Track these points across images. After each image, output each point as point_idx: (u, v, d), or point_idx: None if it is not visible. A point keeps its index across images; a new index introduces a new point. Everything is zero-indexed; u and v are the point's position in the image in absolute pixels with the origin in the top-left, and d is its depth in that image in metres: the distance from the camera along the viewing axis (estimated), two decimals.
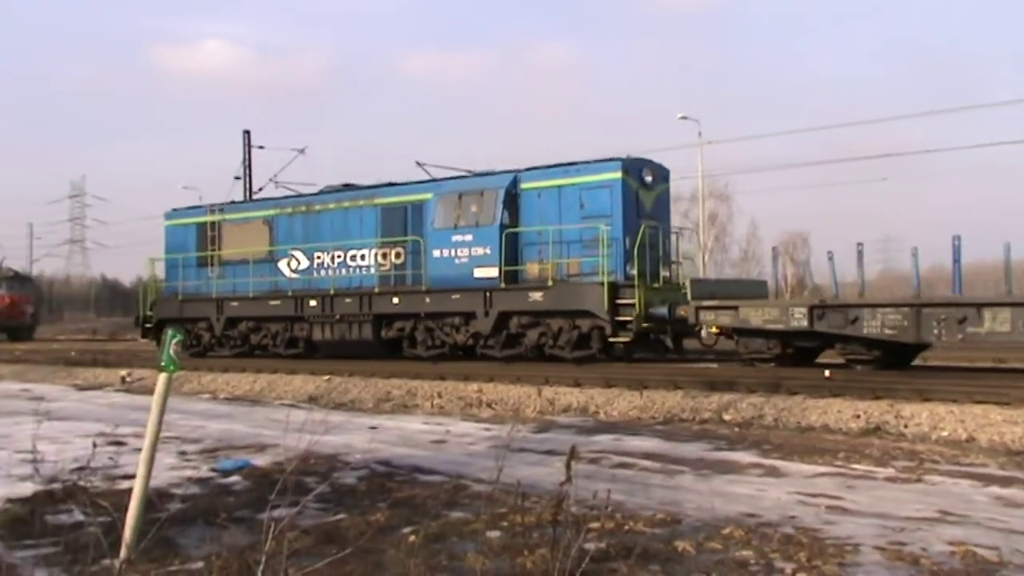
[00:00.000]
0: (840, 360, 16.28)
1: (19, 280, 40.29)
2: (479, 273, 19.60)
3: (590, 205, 18.78)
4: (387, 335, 21.21)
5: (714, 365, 17.79)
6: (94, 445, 6.08)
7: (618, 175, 18.67)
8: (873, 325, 15.30)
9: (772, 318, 16.34)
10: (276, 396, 17.68)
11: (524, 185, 19.73)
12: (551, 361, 18.61)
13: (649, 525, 6.41)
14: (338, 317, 21.69)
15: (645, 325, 17.79)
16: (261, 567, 3.79)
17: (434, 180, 21.53)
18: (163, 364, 4.83)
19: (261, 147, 38.06)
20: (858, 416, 11.66)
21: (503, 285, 19.20)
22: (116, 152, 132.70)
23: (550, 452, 9.90)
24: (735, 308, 16.70)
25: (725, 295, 17.58)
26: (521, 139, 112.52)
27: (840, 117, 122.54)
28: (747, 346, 17.04)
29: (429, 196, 20.70)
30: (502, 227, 19.33)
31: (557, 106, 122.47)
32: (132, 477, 7.52)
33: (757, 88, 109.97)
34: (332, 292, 21.79)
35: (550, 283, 18.71)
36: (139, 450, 9.43)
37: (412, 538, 5.95)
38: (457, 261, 19.94)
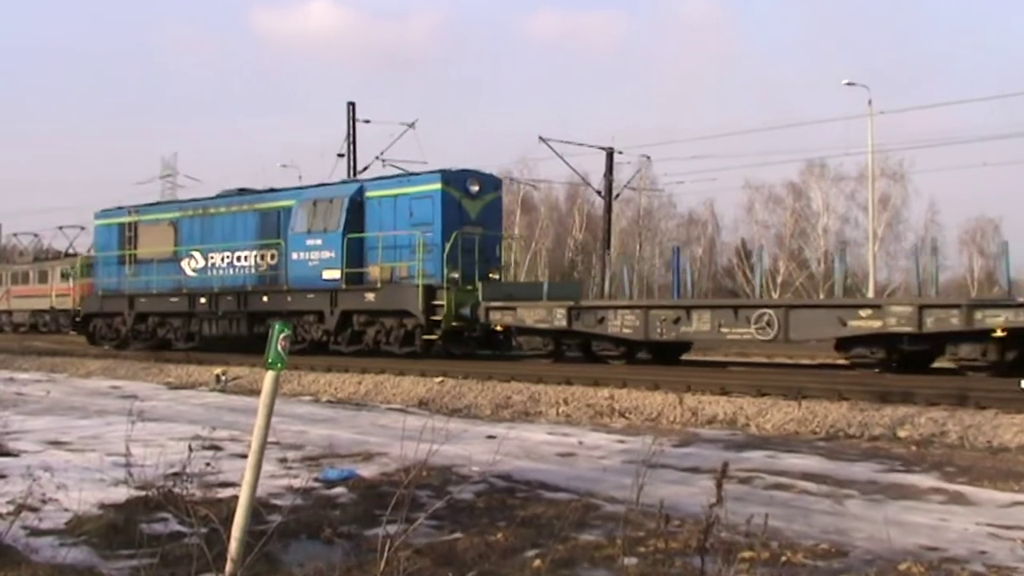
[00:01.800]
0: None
1: None
2: (326, 275, 23.83)
3: (417, 213, 22.91)
4: (259, 331, 25.13)
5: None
6: (190, 449, 6.35)
7: (438, 186, 22.78)
8: (615, 325, 19.60)
9: (540, 318, 20.78)
10: (383, 399, 18.07)
11: (369, 194, 24.01)
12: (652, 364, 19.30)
13: (810, 556, 6.30)
14: (221, 314, 26.47)
15: (455, 324, 21.88)
16: None
17: (298, 188, 26.52)
18: (270, 361, 4.98)
19: (367, 121, 38.84)
20: None
21: (344, 286, 23.45)
22: (210, 127, 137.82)
23: (693, 469, 9.82)
24: (514, 309, 21.14)
25: (524, 297, 22.10)
26: (658, 111, 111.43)
27: None
28: (529, 343, 21.61)
29: (293, 203, 25.16)
30: (345, 233, 23.53)
31: (699, 73, 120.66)
32: (231, 485, 7.87)
33: (940, 49, 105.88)
34: (216, 290, 26.58)
35: (379, 285, 22.94)
36: (237, 456, 9.86)
37: (537, 563, 5.99)
38: (310, 263, 24.27)
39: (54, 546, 6.44)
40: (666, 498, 6.88)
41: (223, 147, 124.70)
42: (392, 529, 4.44)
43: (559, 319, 20.36)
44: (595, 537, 6.85)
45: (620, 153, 43.53)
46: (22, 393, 18.86)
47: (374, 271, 23.22)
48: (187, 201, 29.86)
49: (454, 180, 23.15)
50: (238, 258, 26.37)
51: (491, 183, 24.40)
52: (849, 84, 44.01)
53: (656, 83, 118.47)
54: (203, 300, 26.75)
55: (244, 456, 6.63)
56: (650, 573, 5.74)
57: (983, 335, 15.71)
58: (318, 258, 24.08)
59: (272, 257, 25.40)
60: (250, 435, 5.64)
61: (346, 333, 23.79)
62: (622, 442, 12.01)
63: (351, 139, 38.68)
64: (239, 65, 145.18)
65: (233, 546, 4.93)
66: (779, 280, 60.63)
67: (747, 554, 5.86)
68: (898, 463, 10.38)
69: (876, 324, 16.60)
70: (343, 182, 25.40)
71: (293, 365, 21.55)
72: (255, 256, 25.90)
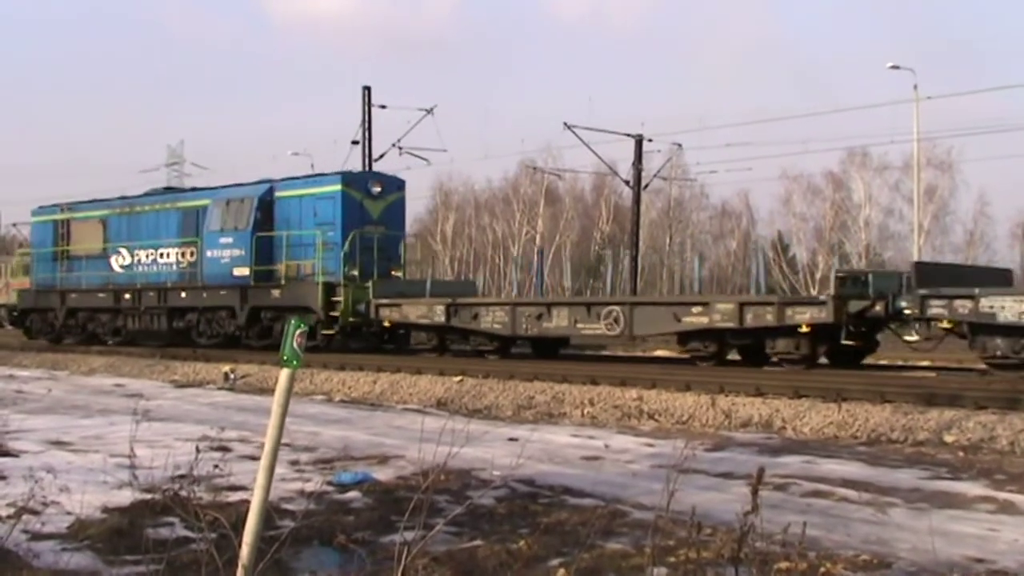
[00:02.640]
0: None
1: None
2: (237, 272, 26.02)
3: (320, 213, 25.22)
4: (177, 326, 27.88)
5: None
6: (197, 450, 6.38)
7: (339, 187, 25.12)
8: (487, 321, 21.62)
9: (422, 314, 22.96)
10: (399, 399, 18.13)
11: (278, 194, 26.20)
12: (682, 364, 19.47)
13: (851, 567, 6.29)
14: (143, 309, 28.61)
15: (352, 320, 24.02)
16: None
17: (214, 188, 28.83)
18: (285, 358, 4.99)
19: (383, 107, 38.76)
20: None
21: (253, 283, 25.61)
22: (219, 114, 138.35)
23: (726, 475, 9.81)
24: (400, 305, 23.40)
25: (416, 294, 23.96)
26: (691, 96, 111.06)
27: None
28: (415, 338, 24.09)
29: (209, 202, 27.38)
30: (254, 231, 25.62)
31: (734, 56, 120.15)
32: (240, 488, 7.92)
33: (990, 31, 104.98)
34: (139, 286, 28.70)
35: (283, 282, 25.17)
36: (247, 457, 9.91)
37: (561, 572, 6.01)
38: (223, 261, 26.43)
39: (56, 551, 6.50)
40: (698, 505, 6.85)
41: (233, 135, 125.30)
42: (409, 536, 4.46)
43: (439, 315, 22.51)
44: (622, 546, 6.86)
45: (650, 141, 43.31)
46: (22, 391, 19.03)
47: (281, 268, 25.44)
48: (116, 199, 31.95)
49: (355, 181, 25.87)
50: (161, 255, 28.63)
51: (393, 184, 26.89)
52: (894, 68, 43.63)
53: (688, 67, 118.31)
54: (128, 296, 29.09)
55: (254, 458, 6.67)
56: None
57: (793, 330, 17.70)
58: (230, 256, 26.28)
59: (191, 254, 27.60)
60: (260, 436, 5.68)
61: (256, 328, 26.05)
62: (651, 446, 12.01)
63: (367, 125, 38.68)
64: (250, 50, 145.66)
65: (245, 552, 4.96)
66: (818, 276, 60.33)
67: (783, 565, 5.84)
68: (944, 470, 10.33)
69: (704, 320, 18.67)
70: (255, 182, 27.26)
71: (305, 363, 21.54)
72: (176, 253, 28.13)
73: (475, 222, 75.54)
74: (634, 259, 43.17)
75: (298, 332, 4.96)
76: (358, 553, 6.36)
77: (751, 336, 18.63)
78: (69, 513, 7.46)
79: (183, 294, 27.52)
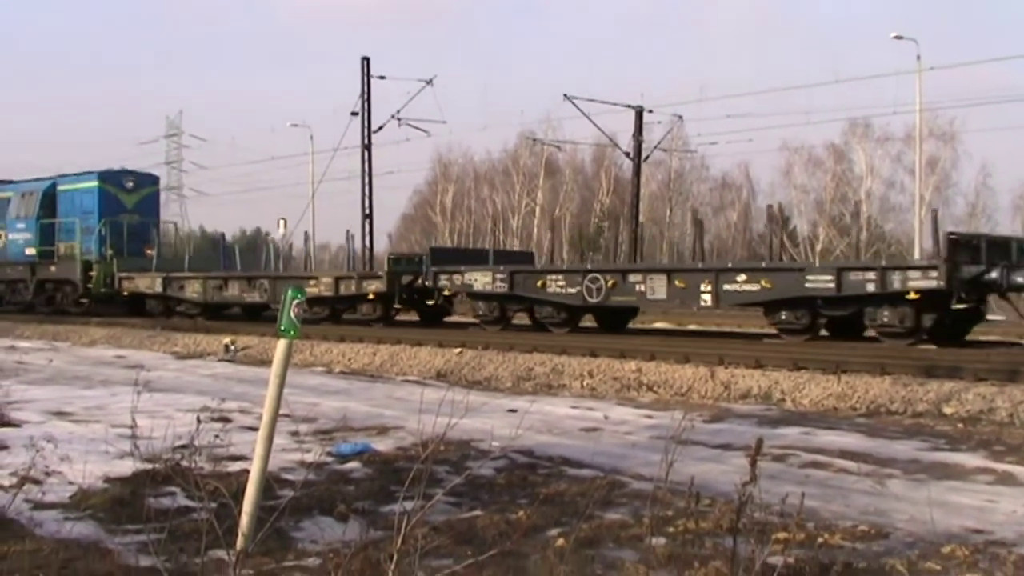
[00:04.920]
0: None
1: None
2: (28, 252, 33.10)
3: (84, 204, 31.76)
4: None
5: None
6: (198, 421, 6.39)
7: (96, 184, 31.68)
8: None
9: (148, 285, 29.23)
10: (399, 371, 18.17)
11: (59, 188, 32.86)
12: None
13: (849, 538, 6.31)
14: None
15: (103, 290, 30.70)
16: (392, 566, 3.92)
17: (17, 182, 35.22)
18: (282, 328, 5.00)
19: (382, 77, 38.62)
20: None
21: (38, 260, 32.60)
22: (216, 85, 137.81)
23: (725, 446, 9.85)
24: (132, 278, 30.34)
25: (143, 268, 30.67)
26: (691, 67, 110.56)
27: None
28: (149, 306, 30.34)
29: (11, 194, 34.39)
30: (39, 219, 32.73)
31: (736, 25, 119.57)
32: (240, 458, 7.94)
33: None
34: None
35: (56, 260, 31.93)
36: (247, 428, 9.95)
37: (560, 542, 6.04)
38: (19, 242, 33.51)
39: (58, 520, 6.53)
40: (696, 476, 6.87)
41: (232, 106, 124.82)
42: (409, 506, 4.48)
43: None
44: (621, 516, 6.89)
45: (650, 112, 43.14)
46: (23, 362, 19.07)
47: (57, 249, 32.20)
48: None
49: (110, 178, 32.29)
50: None
51: (147, 180, 34.39)
52: (897, 38, 43.33)
53: (689, 37, 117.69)
54: None
55: (254, 428, 6.70)
56: (679, 554, 5.77)
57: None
58: (23, 238, 33.34)
59: (2, 237, 34.60)
60: (260, 407, 5.69)
61: (42, 296, 33.05)
62: (650, 417, 12.05)
63: (366, 97, 38.55)
64: (250, 21, 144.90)
65: (244, 521, 4.99)
66: (818, 248, 60.27)
67: (782, 535, 5.87)
68: (943, 441, 10.37)
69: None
70: (43, 179, 34.20)
71: (305, 335, 21.67)
72: None
73: (474, 194, 75.35)
74: (634, 231, 43.12)
75: (295, 302, 4.96)
76: (358, 522, 6.39)
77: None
78: (71, 483, 7.49)
79: None
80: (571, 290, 20.71)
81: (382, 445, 9.72)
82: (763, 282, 18.17)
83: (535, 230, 70.26)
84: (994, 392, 12.37)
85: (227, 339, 22.29)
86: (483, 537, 6.24)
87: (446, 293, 23.13)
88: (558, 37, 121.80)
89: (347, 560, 4.98)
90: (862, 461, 9.10)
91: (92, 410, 12.12)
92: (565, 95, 40.47)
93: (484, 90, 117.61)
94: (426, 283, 23.26)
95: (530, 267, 24.67)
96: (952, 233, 17.27)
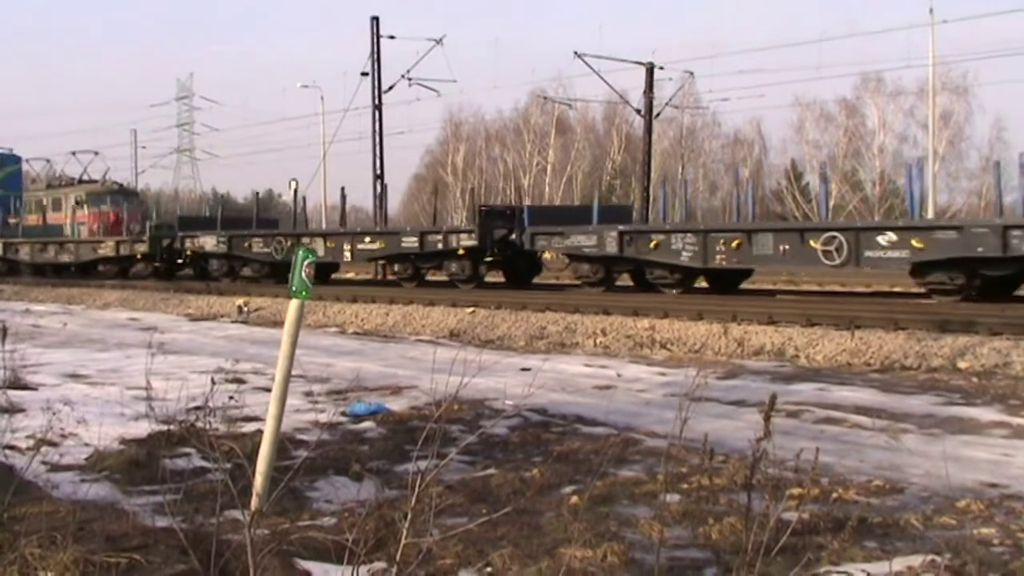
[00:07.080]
0: None
1: (124, 195, 42.12)
2: None
3: None
4: None
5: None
6: (212, 383, 6.39)
7: None
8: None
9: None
10: (412, 331, 18.19)
11: None
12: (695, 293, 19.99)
13: (863, 493, 6.31)
14: None
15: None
16: (407, 524, 3.92)
17: None
18: (294, 289, 4.99)
19: (392, 37, 38.38)
20: None
21: None
22: (227, 46, 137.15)
23: (738, 403, 9.84)
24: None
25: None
26: (703, 22, 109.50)
27: None
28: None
29: None
30: None
31: None
32: (255, 419, 7.97)
33: None
34: None
35: None
36: (260, 389, 9.97)
37: (574, 499, 6.04)
38: None
39: (75, 482, 6.56)
40: (710, 433, 6.86)
41: (242, 68, 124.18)
42: (423, 465, 4.47)
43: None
44: (635, 473, 6.89)
45: (661, 69, 42.74)
46: (39, 325, 19.14)
47: None
48: None
49: None
50: None
51: (10, 160, 42.84)
52: None
53: None
54: None
55: (268, 390, 6.70)
56: (693, 510, 5.77)
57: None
58: None
59: None
60: (274, 368, 5.69)
61: None
62: (663, 375, 12.04)
63: (375, 57, 38.33)
64: None
65: (258, 480, 5.00)
66: (831, 204, 59.92)
67: (796, 491, 5.87)
68: (958, 396, 10.34)
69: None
70: None
71: (318, 296, 21.71)
72: None
73: (486, 153, 75.12)
74: (646, 189, 42.91)
75: (306, 263, 4.94)
76: (373, 482, 6.41)
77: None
78: (87, 445, 7.52)
79: None
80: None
81: (396, 405, 9.73)
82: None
83: (546, 188, 70.04)
84: (1009, 346, 12.31)
85: (240, 300, 22.35)
86: (497, 495, 6.25)
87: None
88: None
89: (362, 519, 4.98)
90: (876, 416, 9.09)
91: (107, 372, 12.17)
92: (576, 53, 40.12)
93: (495, 49, 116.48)
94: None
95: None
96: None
